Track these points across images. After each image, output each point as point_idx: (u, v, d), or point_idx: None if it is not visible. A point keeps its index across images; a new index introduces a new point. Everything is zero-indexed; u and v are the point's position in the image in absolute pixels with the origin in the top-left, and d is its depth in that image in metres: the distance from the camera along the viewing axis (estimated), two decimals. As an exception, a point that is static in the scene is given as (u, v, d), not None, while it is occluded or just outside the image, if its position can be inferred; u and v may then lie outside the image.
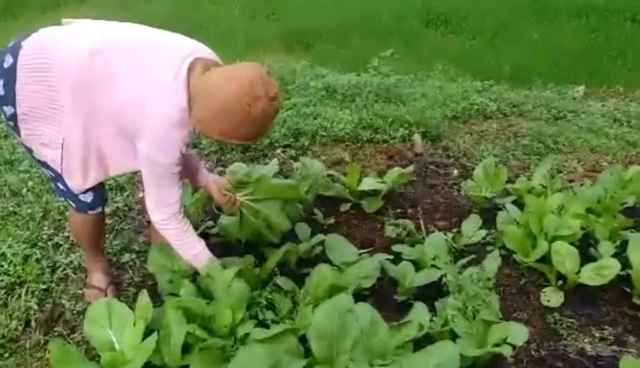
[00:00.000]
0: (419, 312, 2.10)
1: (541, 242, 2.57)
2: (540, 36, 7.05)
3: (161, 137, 1.92)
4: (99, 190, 2.21)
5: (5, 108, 1.97)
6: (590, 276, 2.43)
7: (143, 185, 2.09)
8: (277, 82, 1.97)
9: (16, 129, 2.01)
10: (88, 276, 2.47)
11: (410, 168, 3.25)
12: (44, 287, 2.47)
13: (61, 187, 2.15)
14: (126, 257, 2.66)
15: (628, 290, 2.47)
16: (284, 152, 3.67)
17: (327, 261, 2.41)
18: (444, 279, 2.31)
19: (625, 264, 2.45)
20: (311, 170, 3.05)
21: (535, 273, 2.58)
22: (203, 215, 2.80)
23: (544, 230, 2.61)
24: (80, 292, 2.45)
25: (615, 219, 2.73)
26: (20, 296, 2.40)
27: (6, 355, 2.17)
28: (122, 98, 1.91)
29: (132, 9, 8.03)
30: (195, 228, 2.64)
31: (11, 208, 2.96)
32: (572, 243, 2.53)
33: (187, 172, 2.39)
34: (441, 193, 3.31)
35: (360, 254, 2.50)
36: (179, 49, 1.96)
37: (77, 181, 2.10)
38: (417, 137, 3.87)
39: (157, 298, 2.22)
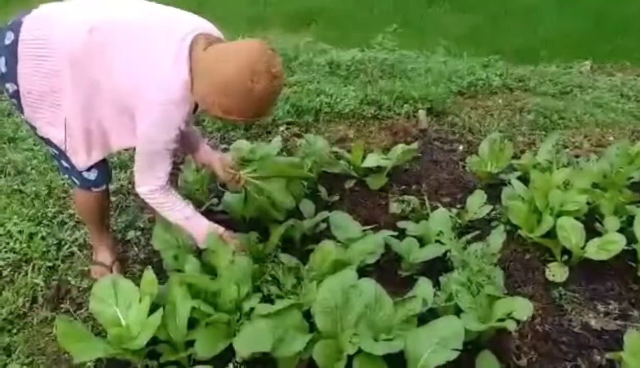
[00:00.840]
0: (423, 287, 2.10)
1: (546, 217, 2.55)
2: (546, 12, 6.92)
3: (161, 115, 1.91)
4: (103, 167, 2.21)
5: (7, 85, 1.96)
6: (596, 251, 2.42)
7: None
8: (280, 59, 1.95)
9: (19, 107, 2.01)
10: (93, 253, 2.49)
11: (415, 144, 3.22)
12: (49, 264, 2.49)
13: (65, 164, 2.15)
14: (131, 234, 2.67)
15: (633, 264, 2.47)
16: (287, 129, 3.66)
17: (332, 238, 2.41)
18: (448, 255, 2.31)
19: (631, 239, 2.44)
20: (315, 147, 3.03)
21: (541, 249, 2.57)
22: (207, 193, 2.80)
23: (549, 206, 2.60)
24: (86, 269, 2.47)
25: (621, 194, 2.72)
26: (26, 273, 2.43)
27: (14, 331, 2.20)
28: (121, 76, 1.89)
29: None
30: (200, 205, 2.66)
31: (16, 187, 2.97)
32: (577, 219, 2.52)
33: (188, 148, 2.39)
34: (446, 169, 3.29)
35: (364, 231, 2.50)
36: (181, 26, 1.93)
37: (82, 158, 2.10)
38: (422, 113, 3.83)
39: (162, 275, 2.24)
